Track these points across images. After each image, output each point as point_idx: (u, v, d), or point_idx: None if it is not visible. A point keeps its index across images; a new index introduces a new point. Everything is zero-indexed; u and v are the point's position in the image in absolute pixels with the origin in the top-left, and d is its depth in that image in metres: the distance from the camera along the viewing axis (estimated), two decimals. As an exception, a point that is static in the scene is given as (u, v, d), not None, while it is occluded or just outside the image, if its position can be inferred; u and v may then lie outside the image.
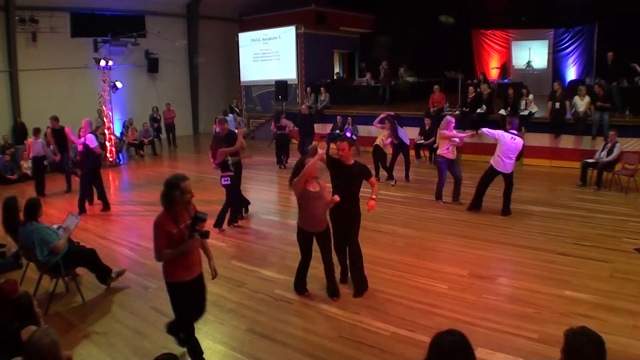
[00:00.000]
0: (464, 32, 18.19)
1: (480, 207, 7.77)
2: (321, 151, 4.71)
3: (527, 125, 11.43)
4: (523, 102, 11.54)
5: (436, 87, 13.24)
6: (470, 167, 10.41)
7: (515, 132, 7.38)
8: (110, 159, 12.94)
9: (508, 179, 7.49)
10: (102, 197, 8.56)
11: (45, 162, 10.34)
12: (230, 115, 14.06)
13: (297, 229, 4.79)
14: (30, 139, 10.09)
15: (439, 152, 8.21)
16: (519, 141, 7.30)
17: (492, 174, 7.53)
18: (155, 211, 3.61)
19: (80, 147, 8.35)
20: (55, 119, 9.86)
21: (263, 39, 17.70)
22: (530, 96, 11.62)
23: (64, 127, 9.81)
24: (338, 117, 13.69)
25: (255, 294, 5.02)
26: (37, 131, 10.08)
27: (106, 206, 8.56)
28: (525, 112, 11.38)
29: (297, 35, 16.81)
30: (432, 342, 2.10)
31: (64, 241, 4.84)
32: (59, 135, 9.88)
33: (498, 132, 7.42)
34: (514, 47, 18.02)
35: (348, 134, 13.14)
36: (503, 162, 7.31)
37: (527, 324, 4.19)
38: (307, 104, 15.61)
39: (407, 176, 10.19)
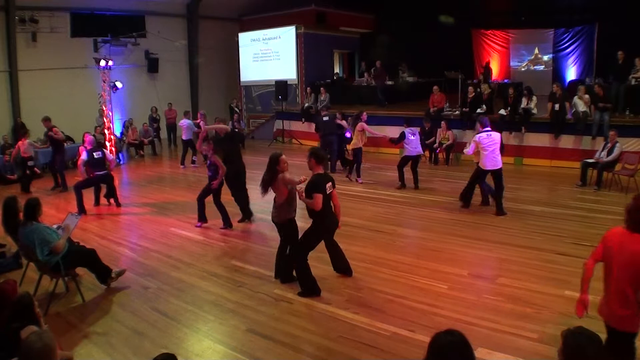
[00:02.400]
0: (464, 32, 18.19)
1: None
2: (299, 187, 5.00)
3: (527, 125, 11.43)
4: (524, 102, 11.51)
5: (435, 87, 13.22)
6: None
7: (488, 129, 7.44)
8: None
9: (497, 176, 7.51)
10: (113, 195, 8.81)
11: (30, 163, 10.45)
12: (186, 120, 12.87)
13: (291, 221, 5.14)
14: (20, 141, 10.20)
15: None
16: (495, 135, 7.40)
17: (483, 174, 7.61)
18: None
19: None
20: (46, 119, 10.07)
21: (263, 39, 17.70)
22: (534, 98, 11.58)
23: (54, 126, 9.99)
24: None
25: (255, 294, 5.02)
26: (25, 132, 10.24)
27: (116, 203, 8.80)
28: (526, 107, 11.36)
29: (297, 35, 16.81)
30: (432, 342, 2.10)
31: (64, 241, 4.85)
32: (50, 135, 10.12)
33: (474, 142, 7.50)
34: (513, 47, 18.04)
35: (348, 135, 13.14)
36: (488, 158, 7.37)
37: (527, 324, 4.19)
38: (307, 104, 15.64)
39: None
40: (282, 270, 5.29)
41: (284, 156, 5.08)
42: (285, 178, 4.99)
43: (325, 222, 4.95)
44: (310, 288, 4.90)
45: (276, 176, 4.96)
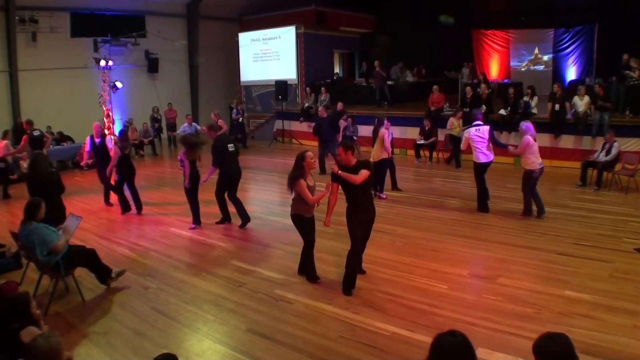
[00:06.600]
0: (464, 32, 18.20)
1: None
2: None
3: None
4: (527, 97, 11.51)
5: (435, 87, 13.23)
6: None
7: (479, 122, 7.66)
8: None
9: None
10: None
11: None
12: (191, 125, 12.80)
13: (298, 216, 5.07)
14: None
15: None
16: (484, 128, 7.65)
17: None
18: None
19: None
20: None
21: (263, 39, 17.70)
22: (535, 98, 11.56)
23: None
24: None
25: (255, 294, 5.02)
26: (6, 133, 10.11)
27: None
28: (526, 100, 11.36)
29: (297, 35, 16.81)
30: (434, 343, 2.11)
31: (64, 241, 4.85)
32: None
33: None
34: (513, 47, 18.05)
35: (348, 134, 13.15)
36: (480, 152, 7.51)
37: (527, 324, 4.18)
38: (307, 104, 15.63)
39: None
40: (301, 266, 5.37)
41: (309, 152, 5.09)
42: (303, 187, 4.95)
43: (357, 210, 4.87)
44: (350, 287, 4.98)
45: (299, 177, 4.95)
